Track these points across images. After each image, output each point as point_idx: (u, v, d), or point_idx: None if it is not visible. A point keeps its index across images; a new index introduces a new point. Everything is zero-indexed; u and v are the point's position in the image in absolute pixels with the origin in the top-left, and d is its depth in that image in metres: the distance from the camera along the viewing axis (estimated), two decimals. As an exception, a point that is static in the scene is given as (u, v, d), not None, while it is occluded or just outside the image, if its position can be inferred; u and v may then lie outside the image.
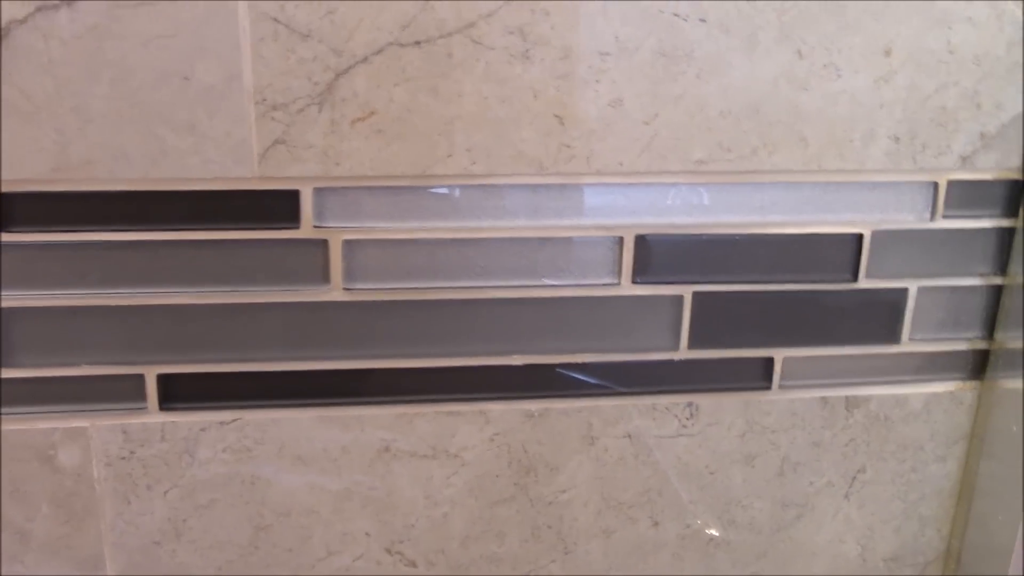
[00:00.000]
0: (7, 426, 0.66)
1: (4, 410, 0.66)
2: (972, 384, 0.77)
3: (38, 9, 0.58)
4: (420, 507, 0.73)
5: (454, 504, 0.73)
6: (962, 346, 0.76)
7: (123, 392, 0.67)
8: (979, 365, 0.76)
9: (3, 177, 0.61)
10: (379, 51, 0.61)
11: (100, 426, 0.67)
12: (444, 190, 0.65)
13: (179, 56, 0.60)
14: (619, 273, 0.69)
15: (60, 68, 0.59)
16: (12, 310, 0.64)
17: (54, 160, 0.61)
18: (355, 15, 0.60)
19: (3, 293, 0.63)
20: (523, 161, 0.65)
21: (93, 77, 0.59)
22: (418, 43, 0.62)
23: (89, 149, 0.61)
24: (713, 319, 0.71)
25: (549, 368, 0.71)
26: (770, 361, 0.73)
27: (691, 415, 0.73)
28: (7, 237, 0.62)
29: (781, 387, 0.74)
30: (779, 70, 0.66)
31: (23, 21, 0.58)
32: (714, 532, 0.77)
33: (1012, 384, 0.74)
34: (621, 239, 0.68)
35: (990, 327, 0.75)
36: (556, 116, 0.64)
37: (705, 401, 0.73)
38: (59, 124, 0.60)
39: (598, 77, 0.64)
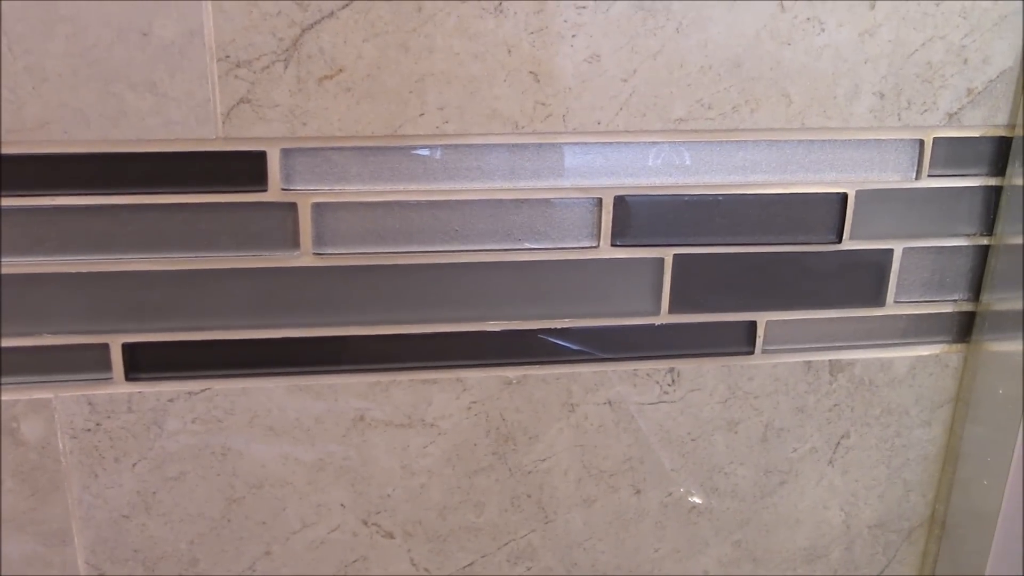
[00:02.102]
0: (-33, 398, 0.64)
1: (-37, 382, 0.64)
2: (958, 347, 0.75)
3: (-13, -38, 0.55)
4: (396, 477, 0.71)
5: (431, 474, 0.71)
6: (948, 308, 0.74)
7: (87, 362, 0.65)
8: (965, 327, 0.75)
9: (-45, 139, 0.58)
10: (346, 5, 0.59)
11: (64, 397, 0.65)
12: (417, 151, 0.63)
13: (137, 11, 0.57)
14: (598, 235, 0.67)
15: (11, 25, 0.56)
16: (-31, 278, 0.62)
17: (8, 122, 0.58)
18: (321, -33, 0.58)
19: (-41, 260, 0.61)
20: (498, 120, 0.63)
21: (47, 34, 0.57)
22: (387, -3, 0.59)
23: (44, 110, 0.58)
24: (694, 282, 0.70)
25: (527, 334, 0.69)
26: (753, 325, 0.72)
27: (672, 381, 0.72)
28: (-39, 202, 0.60)
29: (764, 352, 0.73)
30: (761, 23, 0.64)
31: (-28, -25, 0.55)
32: (696, 500, 0.76)
33: (999, 346, 0.73)
34: (600, 200, 0.66)
35: (976, 288, 0.74)
36: (531, 73, 0.62)
37: (687, 367, 0.72)
38: (12, 84, 0.58)
39: (574, 31, 0.62)
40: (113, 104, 0.59)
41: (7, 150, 0.59)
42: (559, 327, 0.69)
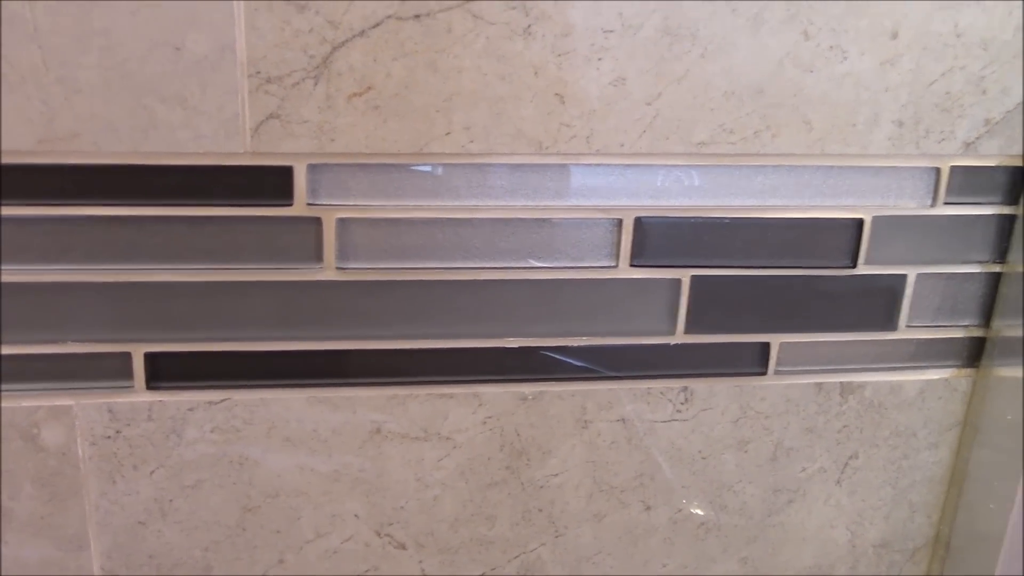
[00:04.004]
0: (-11, 403, 0.65)
1: (-14, 387, 0.64)
2: (967, 371, 0.76)
3: (24, -26, 0.56)
4: (411, 489, 0.72)
5: (445, 486, 0.72)
6: (958, 333, 0.75)
7: (109, 370, 0.65)
8: (975, 353, 0.76)
9: (-14, 148, 0.59)
10: (377, 24, 0.60)
11: (85, 404, 0.66)
12: (441, 169, 0.64)
13: (170, 25, 0.58)
14: (617, 256, 0.68)
15: (46, 37, 0.57)
16: (-5, 285, 0.62)
17: (40, 132, 0.59)
18: (353, -13, 0.59)
19: (-15, 268, 0.62)
20: (522, 140, 0.64)
21: (80, 46, 0.57)
22: (417, 16, 0.60)
23: (76, 121, 0.59)
24: (710, 303, 0.70)
25: (544, 351, 0.70)
26: (766, 346, 0.72)
27: (685, 400, 0.73)
28: (-10, 210, 0.60)
29: (777, 372, 0.73)
30: (785, 51, 0.64)
31: (8, -13, 0.56)
32: (699, 511, 0.76)
33: (1007, 372, 0.73)
34: (620, 221, 0.67)
35: (987, 315, 0.75)
36: (557, 94, 0.63)
37: (700, 386, 0.73)
38: (45, 95, 0.58)
39: (600, 55, 0.62)
40: (144, 117, 0.59)
41: (38, 160, 0.59)
42: (576, 345, 0.70)
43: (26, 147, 0.59)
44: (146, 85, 0.59)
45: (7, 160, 0.59)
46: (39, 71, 0.58)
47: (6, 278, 0.62)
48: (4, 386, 0.64)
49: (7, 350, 0.64)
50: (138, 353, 0.65)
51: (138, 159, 0.60)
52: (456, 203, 0.65)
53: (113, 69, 0.58)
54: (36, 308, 0.63)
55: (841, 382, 0.74)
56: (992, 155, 0.70)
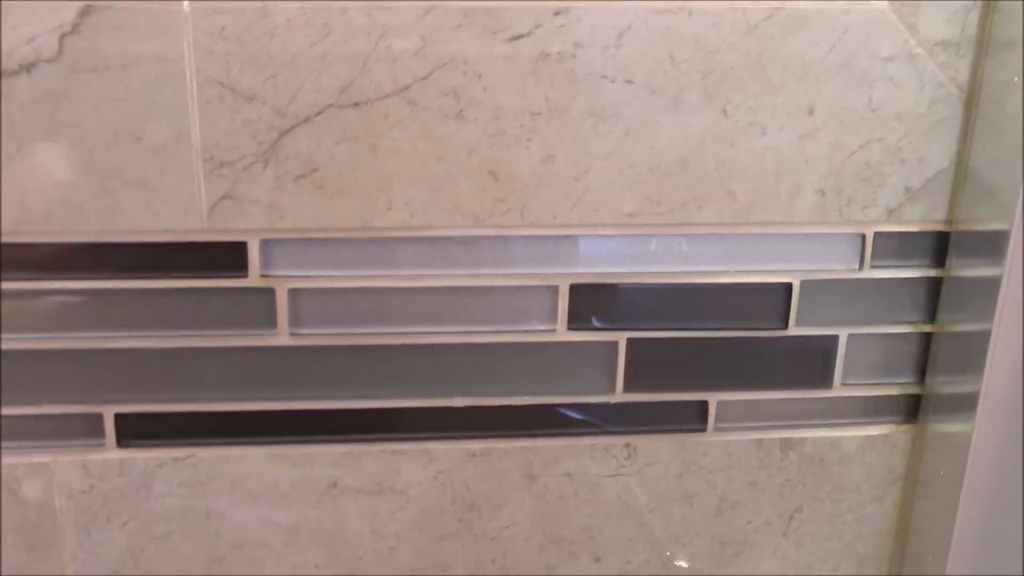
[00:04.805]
0: (-25, 460, 0.71)
1: (-29, 446, 0.70)
2: (906, 427, 0.79)
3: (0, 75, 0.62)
4: (368, 540, 0.76)
5: (400, 538, 0.76)
6: (894, 391, 0.78)
7: (83, 430, 0.71)
8: (912, 408, 0.79)
9: (-32, 229, 0.65)
10: (320, 112, 0.65)
11: (62, 461, 0.71)
12: (385, 242, 0.69)
13: (131, 118, 0.64)
14: (555, 320, 0.72)
15: (21, 130, 0.63)
16: (-22, 352, 0.68)
17: (16, 215, 0.65)
18: (297, 79, 0.64)
19: (-31, 337, 0.68)
20: (460, 214, 0.69)
21: (51, 137, 0.64)
22: (357, 104, 0.65)
23: (48, 204, 0.65)
24: (647, 363, 0.74)
25: (490, 409, 0.74)
26: (705, 404, 0.76)
27: (629, 455, 0.76)
28: (-27, 285, 0.67)
29: (716, 429, 0.77)
30: (705, 128, 0.69)
31: (-14, 86, 0.62)
32: (684, 564, 0.80)
33: (942, 427, 0.76)
34: (556, 287, 0.72)
35: (921, 372, 0.78)
36: (490, 172, 0.68)
37: (642, 442, 0.76)
38: (20, 180, 0.64)
39: (530, 136, 0.67)
40: (109, 199, 0.65)
41: (14, 239, 0.66)
42: (520, 404, 0.74)
43: (4, 228, 0.65)
44: (111, 171, 0.65)
45: (-12, 240, 0.66)
46: (15, 160, 0.64)
47: (-12, 346, 0.68)
48: (-12, 444, 0.71)
49: (-10, 411, 0.70)
50: (109, 413, 0.71)
51: (105, 237, 0.66)
52: (401, 271, 0.70)
53: (81, 157, 0.64)
54: (14, 373, 0.69)
55: (780, 438, 0.78)
56: (915, 220, 0.73)
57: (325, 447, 0.73)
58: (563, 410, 0.75)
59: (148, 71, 0.63)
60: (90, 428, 0.71)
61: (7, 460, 0.71)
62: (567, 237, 0.71)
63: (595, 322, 0.73)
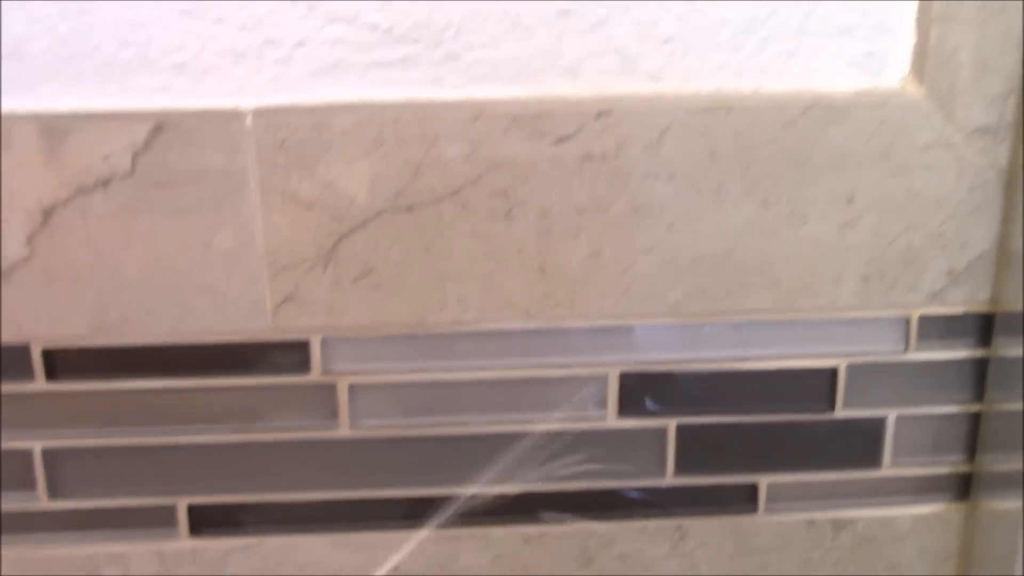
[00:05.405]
0: (57, 551, 0.74)
1: (54, 537, 0.74)
2: (957, 505, 0.79)
3: (78, 191, 0.66)
4: (429, 623, 0.79)
5: (461, 620, 0.79)
6: (945, 469, 0.79)
7: (158, 520, 0.75)
8: (963, 486, 0.79)
9: (50, 335, 0.69)
10: (376, 216, 0.69)
11: (138, 551, 0.75)
12: (440, 338, 0.72)
13: (200, 227, 0.68)
14: (606, 406, 0.75)
15: (97, 241, 0.68)
16: (60, 450, 0.72)
17: (94, 320, 0.69)
18: (353, 187, 0.68)
19: (52, 436, 0.72)
20: (510, 309, 0.71)
21: (125, 247, 0.68)
22: (410, 208, 0.69)
23: (123, 310, 0.69)
24: (697, 449, 0.76)
25: (545, 495, 0.76)
26: (755, 486, 0.77)
27: (681, 537, 0.78)
28: (55, 387, 0.71)
29: (767, 510, 0.78)
30: (746, 220, 0.71)
31: (65, 202, 0.67)
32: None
33: (995, 505, 0.77)
34: (606, 376, 0.74)
35: (971, 450, 0.78)
36: (539, 268, 0.71)
37: (693, 524, 0.78)
38: (98, 288, 0.69)
39: (576, 233, 0.70)
40: (179, 304, 0.69)
41: (94, 343, 0.70)
42: (573, 490, 0.76)
43: (82, 332, 0.69)
44: (181, 277, 0.69)
45: (68, 344, 0.70)
46: (93, 269, 0.68)
47: (69, 444, 0.72)
48: (69, 535, 0.74)
49: (71, 505, 0.74)
50: (182, 505, 0.74)
51: (176, 339, 0.70)
52: (455, 364, 0.73)
53: (152, 266, 0.68)
54: (93, 469, 0.73)
55: (832, 518, 0.79)
56: (959, 303, 0.74)
57: (386, 533, 0.76)
58: (619, 492, 0.77)
59: (215, 183, 0.67)
60: (164, 518, 0.75)
61: (88, 550, 0.74)
62: (615, 327, 0.73)
63: (647, 406, 0.75)
